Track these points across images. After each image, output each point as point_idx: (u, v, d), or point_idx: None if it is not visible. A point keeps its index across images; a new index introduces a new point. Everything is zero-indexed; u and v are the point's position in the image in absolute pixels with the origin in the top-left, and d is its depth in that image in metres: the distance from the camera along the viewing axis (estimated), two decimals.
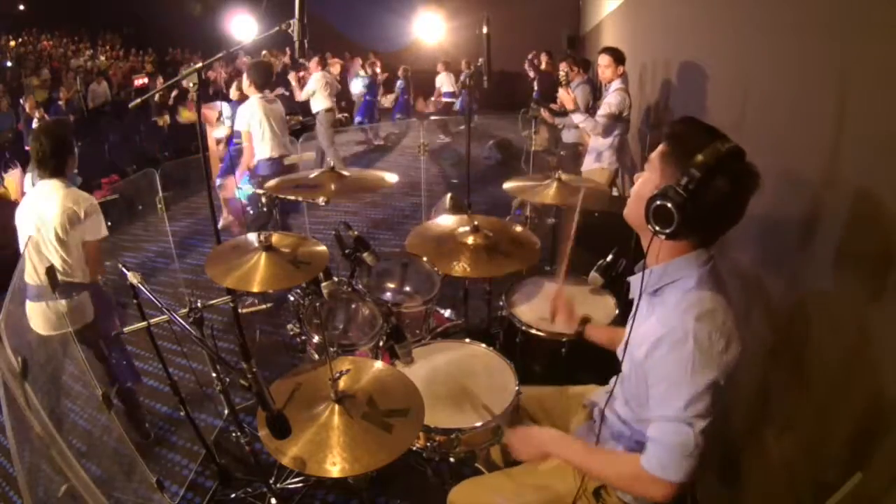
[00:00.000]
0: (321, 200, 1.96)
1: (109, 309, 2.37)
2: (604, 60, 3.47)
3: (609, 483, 1.22)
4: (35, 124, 6.26)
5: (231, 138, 4.75)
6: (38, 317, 2.11)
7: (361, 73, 8.82)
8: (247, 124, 3.60)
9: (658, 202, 1.00)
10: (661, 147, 1.10)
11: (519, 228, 2.17)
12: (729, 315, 1.04)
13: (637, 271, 1.20)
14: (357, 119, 8.59)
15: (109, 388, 2.20)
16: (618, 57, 3.43)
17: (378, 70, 9.10)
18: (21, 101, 6.65)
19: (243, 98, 4.08)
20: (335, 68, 7.31)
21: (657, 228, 1.02)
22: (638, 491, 1.12)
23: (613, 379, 1.35)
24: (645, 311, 1.16)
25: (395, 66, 9.35)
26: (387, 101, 9.22)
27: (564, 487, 1.29)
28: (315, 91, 6.29)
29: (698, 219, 1.00)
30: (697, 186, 0.97)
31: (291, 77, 6.94)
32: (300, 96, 6.47)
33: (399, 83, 8.99)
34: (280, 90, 7.18)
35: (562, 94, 3.55)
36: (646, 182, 1.11)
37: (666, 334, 1.05)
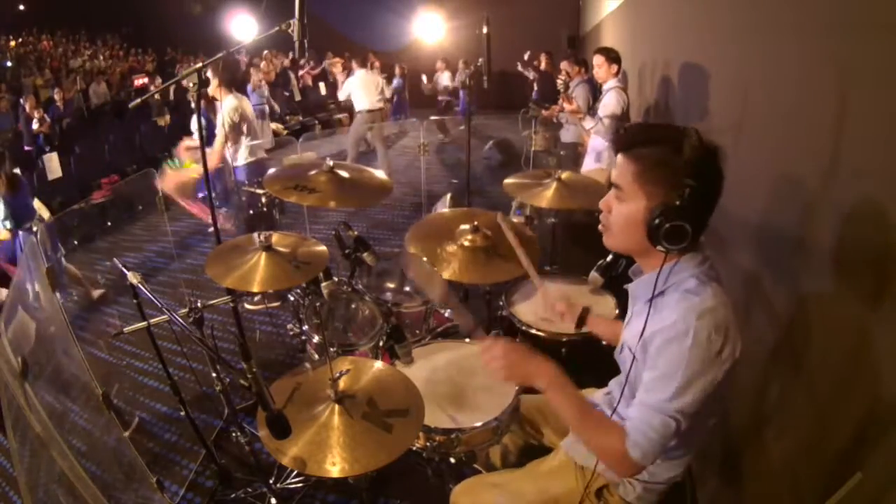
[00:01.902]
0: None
1: None
2: (597, 60, 3.49)
3: (586, 445, 1.19)
4: (35, 125, 6.28)
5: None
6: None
7: (398, 78, 8.79)
8: (230, 125, 3.21)
9: (670, 224, 0.98)
10: (628, 168, 1.04)
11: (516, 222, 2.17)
12: (729, 312, 1.03)
13: (633, 276, 1.20)
14: (394, 117, 8.59)
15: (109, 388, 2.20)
16: (610, 56, 3.44)
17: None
18: (21, 101, 6.65)
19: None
20: (336, 68, 7.26)
21: (670, 248, 1.01)
22: (612, 465, 1.11)
23: (613, 381, 1.35)
24: (645, 315, 1.15)
25: (394, 66, 9.33)
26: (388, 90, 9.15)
27: (567, 487, 1.30)
28: (354, 90, 6.12)
29: (700, 219, 1.00)
30: (697, 190, 0.97)
31: (337, 69, 6.75)
32: (340, 95, 6.23)
33: (396, 81, 8.96)
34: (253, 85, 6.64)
35: (564, 104, 3.55)
36: (630, 209, 1.05)
37: (666, 327, 1.03)
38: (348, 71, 6.78)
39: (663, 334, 1.04)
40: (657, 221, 0.99)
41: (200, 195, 4.35)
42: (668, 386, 1.01)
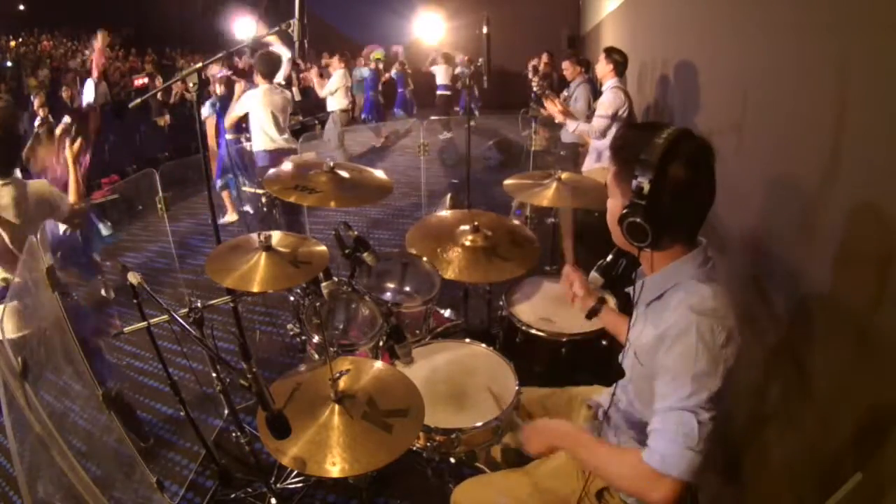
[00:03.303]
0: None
1: (82, 314, 2.32)
2: (599, 57, 3.49)
3: (611, 483, 1.19)
4: (37, 122, 6.27)
5: (221, 133, 4.77)
6: (11, 317, 1.93)
7: (364, 69, 8.80)
8: (245, 109, 3.70)
9: (628, 221, 1.02)
10: (611, 168, 1.10)
11: (517, 222, 2.18)
12: (730, 311, 1.04)
13: (637, 278, 1.20)
14: (363, 116, 8.58)
15: (109, 389, 2.19)
16: (611, 56, 3.43)
17: (381, 66, 9.08)
18: (32, 97, 6.65)
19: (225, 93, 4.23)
20: (333, 68, 7.26)
21: (638, 245, 1.04)
22: (638, 489, 1.04)
23: (617, 383, 1.35)
24: (649, 317, 1.16)
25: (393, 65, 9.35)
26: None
27: (567, 488, 1.30)
28: (339, 88, 6.25)
29: (671, 217, 1.01)
30: (653, 188, 0.97)
31: (314, 73, 6.93)
32: (321, 93, 6.41)
33: (394, 73, 8.99)
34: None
35: (549, 107, 3.55)
36: (612, 208, 1.12)
37: (668, 329, 1.04)
38: (321, 71, 6.93)
39: (667, 338, 1.04)
40: (620, 218, 1.04)
41: (218, 182, 4.55)
42: (682, 385, 1.00)
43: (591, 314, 1.57)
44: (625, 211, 1.03)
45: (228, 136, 4.67)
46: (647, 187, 0.98)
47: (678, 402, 1.00)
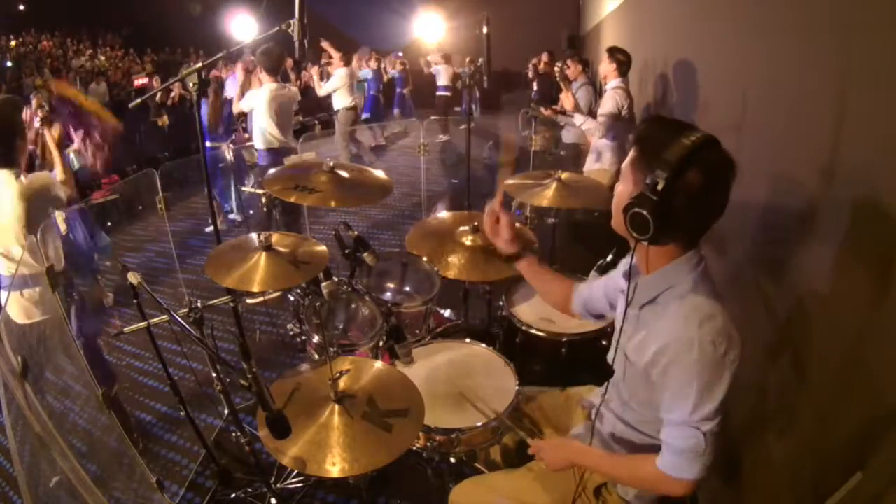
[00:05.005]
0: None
1: (86, 309, 2.34)
2: (603, 58, 3.49)
3: (634, 487, 1.25)
4: (37, 123, 6.27)
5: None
6: (13, 306, 2.04)
7: (367, 69, 8.82)
8: (249, 106, 3.70)
9: (633, 210, 1.01)
10: (630, 153, 1.09)
11: (517, 225, 2.18)
12: (726, 316, 1.05)
13: (631, 279, 1.20)
14: (364, 115, 8.61)
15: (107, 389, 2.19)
16: (614, 56, 3.42)
17: (384, 66, 9.12)
18: (31, 97, 6.64)
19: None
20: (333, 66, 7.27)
21: (637, 236, 1.03)
22: (660, 490, 1.16)
23: (608, 382, 1.36)
24: (645, 318, 1.16)
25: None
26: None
27: (565, 486, 1.30)
28: (339, 88, 6.23)
29: (676, 219, 1.01)
30: (667, 187, 0.97)
31: (314, 71, 6.92)
32: (320, 91, 6.38)
33: (394, 73, 9.01)
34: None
35: (563, 96, 3.55)
36: (621, 193, 1.11)
37: (670, 343, 1.05)
38: (321, 70, 6.93)
39: (669, 351, 1.05)
40: (627, 206, 1.03)
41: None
42: (686, 400, 1.04)
43: (512, 259, 1.52)
44: (632, 200, 1.02)
45: (209, 144, 4.58)
46: (662, 184, 0.97)
47: (683, 418, 1.05)
